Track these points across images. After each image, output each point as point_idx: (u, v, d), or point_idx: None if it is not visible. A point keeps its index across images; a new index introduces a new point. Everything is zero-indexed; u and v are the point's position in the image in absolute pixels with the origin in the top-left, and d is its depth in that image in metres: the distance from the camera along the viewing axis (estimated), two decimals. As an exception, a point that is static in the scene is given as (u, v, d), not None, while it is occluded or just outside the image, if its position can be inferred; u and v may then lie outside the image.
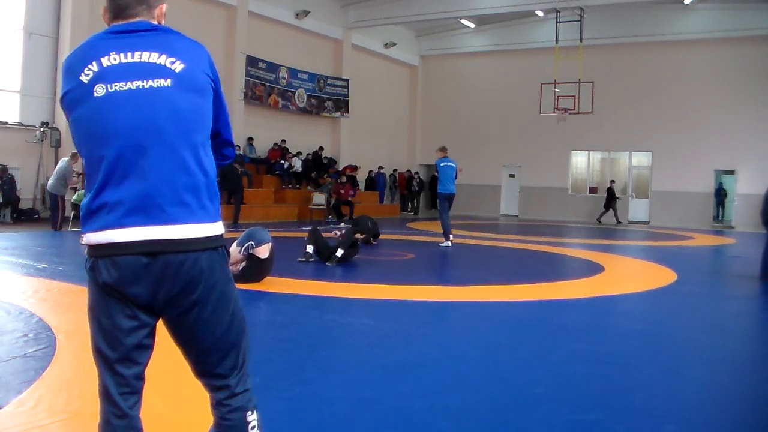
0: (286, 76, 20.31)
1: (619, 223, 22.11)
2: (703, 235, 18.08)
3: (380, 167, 24.18)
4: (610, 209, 22.26)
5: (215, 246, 1.76)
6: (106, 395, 1.79)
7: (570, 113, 19.58)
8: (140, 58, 1.74)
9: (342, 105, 22.66)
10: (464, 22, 24.60)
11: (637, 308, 6.78)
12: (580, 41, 19.23)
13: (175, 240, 1.68)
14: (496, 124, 25.24)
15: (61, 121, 14.48)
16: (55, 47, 14.66)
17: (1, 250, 8.89)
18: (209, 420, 2.77)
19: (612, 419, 3.21)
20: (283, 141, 20.27)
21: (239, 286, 6.51)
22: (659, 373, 4.10)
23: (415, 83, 27.45)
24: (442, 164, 12.22)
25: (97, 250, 1.71)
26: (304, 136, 21.26)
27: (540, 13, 23.01)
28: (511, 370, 4.06)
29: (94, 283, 1.74)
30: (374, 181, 23.60)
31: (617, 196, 22.43)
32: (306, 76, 21.15)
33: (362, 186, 22.83)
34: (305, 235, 9.18)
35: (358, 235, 9.07)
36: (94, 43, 1.77)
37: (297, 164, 19.92)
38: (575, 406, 3.36)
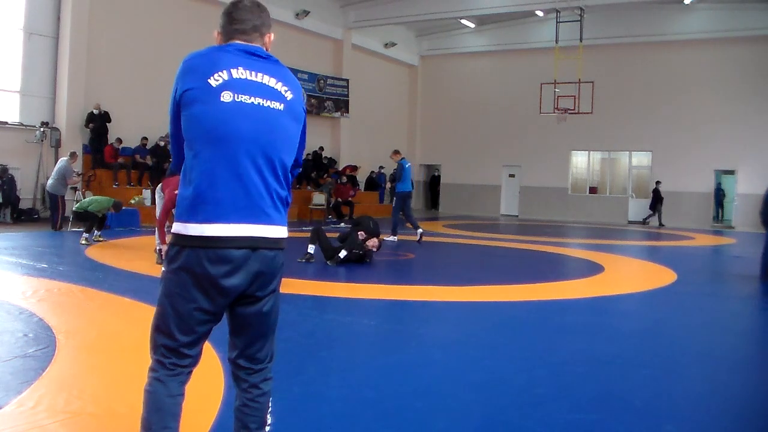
0: (286, 76, 20.30)
1: (661, 225, 21.10)
2: (703, 235, 18.08)
3: (381, 167, 24.17)
4: (656, 211, 21.28)
5: (285, 246, 2.06)
6: (162, 364, 1.94)
7: (570, 113, 19.58)
8: (262, 79, 1.98)
9: (342, 105, 22.66)
10: (464, 22, 24.60)
11: (637, 308, 6.78)
12: (580, 41, 19.24)
13: (271, 238, 1.96)
14: (496, 124, 25.25)
15: (61, 121, 14.49)
16: (55, 47, 14.65)
17: (1, 250, 8.89)
18: (210, 416, 2.75)
19: (612, 419, 3.21)
20: (283, 141, 20.25)
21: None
22: (659, 373, 4.10)
23: (415, 83, 27.45)
24: (407, 165, 12.63)
25: (197, 241, 1.86)
26: (304, 136, 21.24)
27: (540, 13, 23.01)
28: (511, 370, 4.06)
29: (184, 272, 1.87)
30: (374, 181, 23.60)
31: (662, 197, 21.32)
32: (306, 76, 21.14)
33: (362, 186, 22.83)
34: (306, 235, 9.17)
35: (360, 234, 9.05)
36: (221, 54, 1.96)
37: (297, 164, 19.90)
38: (575, 406, 3.36)
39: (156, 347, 1.96)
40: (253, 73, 1.97)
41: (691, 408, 3.49)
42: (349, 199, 18.63)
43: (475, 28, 25.36)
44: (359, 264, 8.83)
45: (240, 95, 1.91)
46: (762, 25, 20.33)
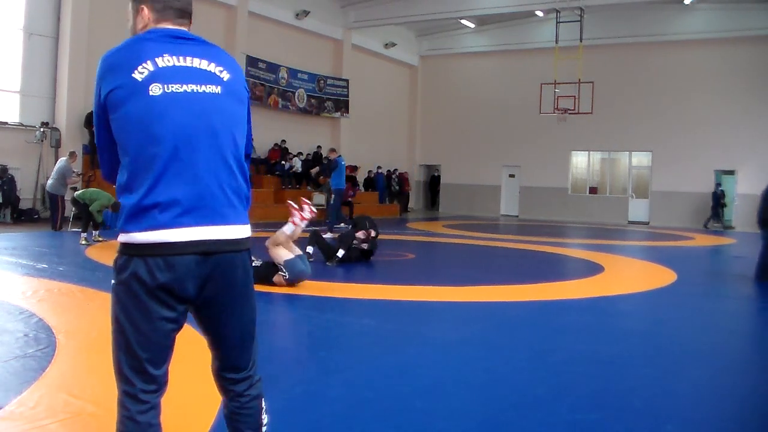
0: (286, 76, 20.31)
1: (726, 228, 20.85)
2: (703, 235, 18.08)
3: (379, 167, 24.18)
4: (717, 214, 20.97)
5: (248, 246, 1.87)
6: (132, 396, 1.77)
7: (570, 113, 19.58)
8: (192, 63, 1.80)
9: (342, 105, 22.66)
10: (464, 22, 24.59)
11: (637, 308, 6.78)
12: (580, 41, 19.23)
13: (226, 240, 1.78)
14: (496, 124, 25.24)
15: (61, 122, 14.49)
16: (55, 47, 14.66)
17: (1, 250, 8.89)
18: (210, 416, 2.75)
19: (612, 419, 3.21)
20: (283, 141, 20.27)
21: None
22: (659, 373, 4.10)
23: (415, 83, 27.45)
24: (342, 162, 13.35)
25: (144, 249, 1.70)
26: (304, 136, 21.26)
27: (540, 14, 23.01)
28: (511, 370, 4.06)
29: (135, 283, 1.71)
30: (374, 181, 23.60)
31: (724, 202, 21.00)
32: (306, 77, 21.15)
33: (361, 186, 22.85)
34: (306, 235, 9.18)
35: (359, 234, 9.06)
36: (142, 44, 1.78)
37: (297, 164, 19.92)
38: (575, 407, 3.36)
39: (120, 372, 1.77)
40: (181, 58, 1.78)
41: (691, 408, 3.49)
42: (349, 199, 18.62)
43: (475, 28, 25.36)
44: (359, 263, 8.83)
45: (170, 85, 1.73)
46: (762, 25, 20.33)
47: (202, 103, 1.77)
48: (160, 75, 1.73)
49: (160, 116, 1.71)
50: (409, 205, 24.95)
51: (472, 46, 25.82)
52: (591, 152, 24.25)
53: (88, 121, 14.59)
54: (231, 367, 1.91)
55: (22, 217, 13.53)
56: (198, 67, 1.80)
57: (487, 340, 4.86)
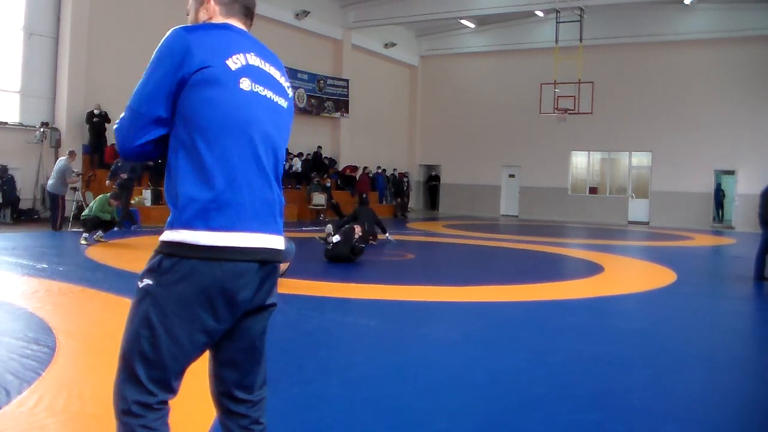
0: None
1: None
2: (703, 235, 18.09)
3: (378, 167, 24.17)
4: None
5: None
6: (146, 406, 1.63)
7: (570, 113, 19.57)
8: (269, 69, 1.76)
9: (342, 105, 22.66)
10: (464, 22, 24.59)
11: (637, 308, 6.78)
12: (580, 41, 19.23)
13: (277, 249, 1.73)
14: (496, 124, 25.24)
15: (61, 122, 14.49)
16: (55, 47, 14.65)
17: (1, 250, 8.89)
18: (209, 416, 2.75)
19: (612, 419, 3.21)
20: (283, 141, 20.26)
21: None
22: (659, 373, 4.10)
23: (415, 83, 27.45)
24: None
25: (206, 251, 1.57)
26: (304, 137, 21.24)
27: (540, 14, 23.01)
28: (511, 370, 4.06)
29: (189, 287, 1.57)
30: (374, 181, 23.58)
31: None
32: (306, 77, 21.15)
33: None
34: (306, 235, 9.19)
35: (357, 230, 9.10)
36: (230, 34, 1.71)
37: (297, 164, 19.93)
38: (575, 407, 3.36)
39: (135, 381, 1.61)
40: (262, 61, 1.74)
41: (691, 408, 3.49)
42: (364, 195, 18.95)
43: (475, 28, 25.36)
44: (359, 261, 8.83)
45: (257, 85, 1.69)
46: (762, 25, 20.33)
47: (276, 113, 1.75)
48: (250, 71, 1.67)
49: (250, 112, 1.65)
50: (409, 205, 24.94)
51: (472, 46, 25.82)
52: (591, 152, 24.24)
53: (89, 118, 14.57)
54: (248, 386, 1.79)
55: (22, 217, 13.53)
56: (274, 76, 1.77)
57: (487, 340, 4.86)
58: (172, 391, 1.66)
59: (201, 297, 1.58)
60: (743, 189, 20.92)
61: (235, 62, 1.64)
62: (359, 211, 11.57)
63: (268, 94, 1.72)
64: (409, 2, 21.26)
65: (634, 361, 4.36)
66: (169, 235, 1.60)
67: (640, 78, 22.71)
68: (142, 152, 1.70)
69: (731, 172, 22.02)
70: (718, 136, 21.37)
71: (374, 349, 4.54)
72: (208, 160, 1.59)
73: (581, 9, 19.41)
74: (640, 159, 23.45)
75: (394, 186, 23.75)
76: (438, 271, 9.16)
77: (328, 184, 19.17)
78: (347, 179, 21.95)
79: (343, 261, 8.80)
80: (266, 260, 1.67)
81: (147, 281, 1.62)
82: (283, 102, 1.78)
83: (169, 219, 1.63)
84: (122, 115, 1.71)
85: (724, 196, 23.85)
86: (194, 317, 1.59)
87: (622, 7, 21.37)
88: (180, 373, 1.66)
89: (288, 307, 5.94)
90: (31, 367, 3.65)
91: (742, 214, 20.63)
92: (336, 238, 8.75)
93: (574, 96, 19.22)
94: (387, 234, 11.93)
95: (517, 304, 6.58)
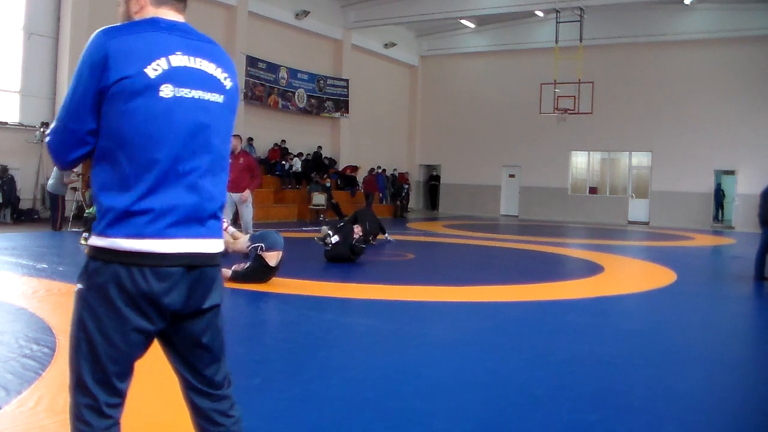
0: (286, 76, 20.31)
1: None
2: (703, 235, 18.09)
3: (378, 166, 24.16)
4: None
5: (219, 262, 1.82)
6: (95, 409, 1.66)
7: (570, 113, 19.58)
8: (200, 65, 1.71)
9: (342, 105, 22.66)
10: (464, 22, 24.59)
11: (637, 308, 6.78)
12: (580, 41, 19.23)
13: (210, 254, 1.72)
14: (496, 124, 25.24)
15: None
16: (55, 47, 14.66)
17: (1, 250, 8.88)
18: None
19: (612, 419, 3.21)
20: (283, 141, 20.27)
21: (240, 285, 6.52)
22: (659, 373, 4.10)
23: (415, 83, 27.46)
24: None
25: (130, 257, 1.61)
26: (304, 137, 21.27)
27: (540, 14, 23.01)
28: (511, 370, 4.06)
29: (113, 289, 1.61)
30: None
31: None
32: (306, 77, 21.15)
33: (361, 186, 22.86)
34: (305, 235, 9.19)
35: (356, 230, 9.10)
36: (155, 35, 1.66)
37: (297, 164, 19.94)
38: (575, 407, 3.36)
39: (80, 384, 1.65)
40: (192, 58, 1.69)
41: (691, 408, 3.49)
42: (375, 193, 19.57)
43: (475, 28, 25.36)
44: (359, 261, 8.83)
45: (180, 89, 1.65)
46: (762, 25, 20.33)
47: (206, 113, 1.70)
48: (172, 76, 1.64)
49: (168, 121, 1.63)
50: (408, 206, 24.94)
51: (472, 46, 25.82)
52: (591, 152, 24.25)
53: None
54: (209, 382, 1.81)
55: (22, 217, 13.53)
56: (206, 71, 1.72)
57: (487, 340, 4.86)
58: (118, 393, 1.68)
59: (126, 299, 1.62)
60: (743, 189, 20.92)
61: (155, 69, 1.61)
62: (360, 213, 11.59)
63: (196, 94, 1.68)
64: (409, 2, 21.27)
65: (634, 361, 4.36)
66: (94, 240, 1.66)
67: (640, 78, 22.71)
68: (81, 162, 1.74)
69: (731, 172, 22.02)
70: (718, 136, 21.37)
71: (374, 349, 4.54)
72: (127, 170, 1.61)
73: (581, 9, 19.42)
74: (640, 159, 23.46)
75: (393, 187, 23.75)
76: (438, 271, 9.16)
77: (328, 184, 19.14)
78: (347, 179, 21.94)
79: (343, 261, 8.80)
80: (193, 265, 1.68)
81: (79, 285, 1.67)
82: (216, 97, 1.73)
83: (94, 224, 1.70)
84: (53, 125, 1.70)
85: (724, 196, 23.83)
86: (123, 318, 1.62)
87: (622, 7, 21.37)
88: (121, 375, 1.68)
89: (288, 307, 5.94)
90: (31, 367, 3.65)
91: (742, 214, 20.63)
92: (335, 239, 8.75)
93: (574, 96, 19.23)
94: (386, 234, 11.93)
95: (517, 304, 6.58)
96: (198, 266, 1.69)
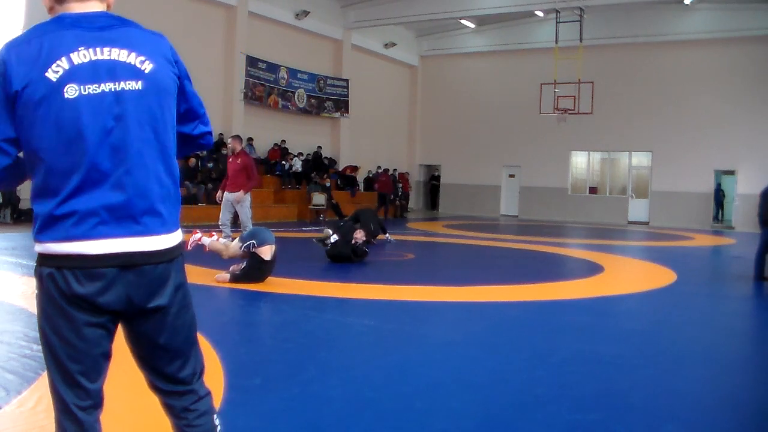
0: (285, 76, 20.31)
1: None
2: (703, 235, 18.09)
3: (378, 167, 24.17)
4: None
5: (177, 254, 1.75)
6: (67, 413, 1.66)
7: (570, 113, 19.57)
8: (110, 55, 1.64)
9: (342, 105, 22.66)
10: (464, 22, 24.58)
11: (637, 308, 6.78)
12: (580, 41, 19.23)
13: (149, 252, 1.66)
14: (496, 124, 25.24)
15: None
16: (55, 47, 14.65)
17: (1, 250, 8.89)
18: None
19: (612, 419, 3.21)
20: (283, 141, 20.27)
21: (240, 285, 6.53)
22: (659, 373, 4.10)
23: (415, 83, 27.45)
24: None
25: (60, 260, 1.60)
26: (304, 137, 21.26)
27: (540, 14, 23.00)
28: (511, 370, 4.06)
29: (55, 293, 1.61)
30: (374, 181, 23.58)
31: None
32: (306, 77, 21.14)
33: (361, 186, 22.87)
34: (305, 235, 9.19)
35: (360, 234, 9.10)
36: (54, 35, 1.61)
37: (297, 164, 19.94)
38: (575, 407, 3.36)
39: (53, 390, 1.68)
40: (98, 50, 1.63)
41: (691, 408, 3.49)
42: (389, 195, 19.89)
43: (475, 28, 25.35)
44: (356, 263, 8.83)
45: (86, 86, 1.59)
46: (762, 25, 20.32)
47: (121, 104, 1.63)
48: (75, 74, 1.59)
49: (77, 121, 1.58)
50: (409, 205, 24.94)
51: (471, 46, 25.81)
52: (591, 152, 24.24)
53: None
54: (172, 378, 1.79)
55: (22, 217, 13.53)
56: (117, 59, 1.64)
57: (487, 340, 4.86)
58: (88, 394, 1.68)
59: (68, 300, 1.62)
60: (743, 189, 20.92)
61: (55, 71, 1.57)
62: (361, 212, 11.57)
63: (106, 87, 1.61)
64: (409, 2, 21.26)
65: (634, 361, 4.36)
66: (35, 246, 1.67)
67: (639, 78, 22.70)
68: (11, 177, 1.71)
69: (731, 172, 22.01)
70: (718, 136, 21.37)
71: (374, 349, 4.54)
72: (49, 176, 1.60)
73: (581, 9, 19.41)
74: (640, 159, 23.45)
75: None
76: (438, 271, 9.16)
77: (328, 184, 19.14)
78: (347, 179, 21.95)
79: (343, 260, 8.80)
80: (128, 264, 1.64)
81: (34, 289, 1.69)
82: (133, 84, 1.65)
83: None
84: None
85: (724, 196, 23.83)
86: (70, 316, 1.62)
87: (622, 7, 21.36)
88: (87, 373, 1.66)
89: (288, 307, 5.94)
90: (31, 367, 3.65)
91: (742, 214, 20.62)
92: (335, 238, 8.74)
93: (574, 96, 19.22)
94: (387, 234, 11.94)
95: (517, 304, 6.58)
96: (137, 265, 1.65)
